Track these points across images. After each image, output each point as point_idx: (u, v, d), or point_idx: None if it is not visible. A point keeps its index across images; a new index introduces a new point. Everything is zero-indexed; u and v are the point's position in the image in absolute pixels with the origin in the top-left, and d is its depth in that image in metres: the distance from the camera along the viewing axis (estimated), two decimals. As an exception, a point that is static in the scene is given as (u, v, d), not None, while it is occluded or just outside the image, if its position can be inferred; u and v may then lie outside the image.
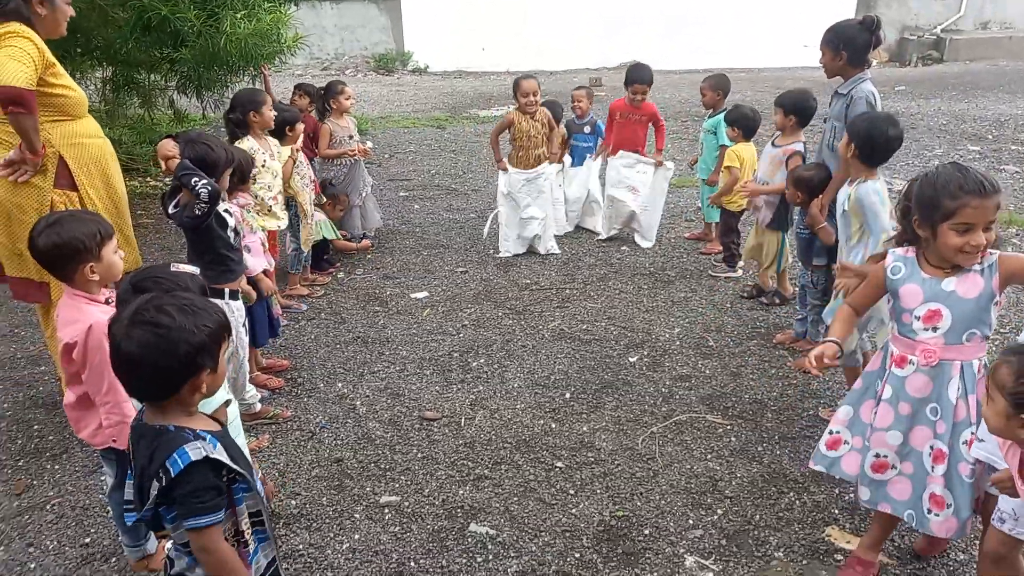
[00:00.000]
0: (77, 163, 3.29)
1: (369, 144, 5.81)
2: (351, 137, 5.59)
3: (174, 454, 1.66)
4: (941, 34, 14.42)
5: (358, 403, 3.79)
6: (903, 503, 2.43)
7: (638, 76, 5.64)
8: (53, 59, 3.16)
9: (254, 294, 3.43)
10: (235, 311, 3.19)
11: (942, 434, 2.33)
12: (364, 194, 5.70)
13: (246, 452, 2.14)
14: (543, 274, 5.36)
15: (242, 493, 1.81)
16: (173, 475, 1.65)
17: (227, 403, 2.24)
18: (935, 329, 2.29)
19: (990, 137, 8.46)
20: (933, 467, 2.35)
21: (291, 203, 4.78)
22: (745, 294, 4.86)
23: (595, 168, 6.05)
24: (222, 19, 5.25)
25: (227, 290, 3.17)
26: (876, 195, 3.22)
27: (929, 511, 2.36)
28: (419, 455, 3.37)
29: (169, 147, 3.10)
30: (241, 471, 1.78)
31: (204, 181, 2.95)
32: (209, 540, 1.72)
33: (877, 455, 2.46)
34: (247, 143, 4.26)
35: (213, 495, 1.71)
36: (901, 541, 2.75)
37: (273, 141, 4.50)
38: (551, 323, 4.60)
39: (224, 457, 1.74)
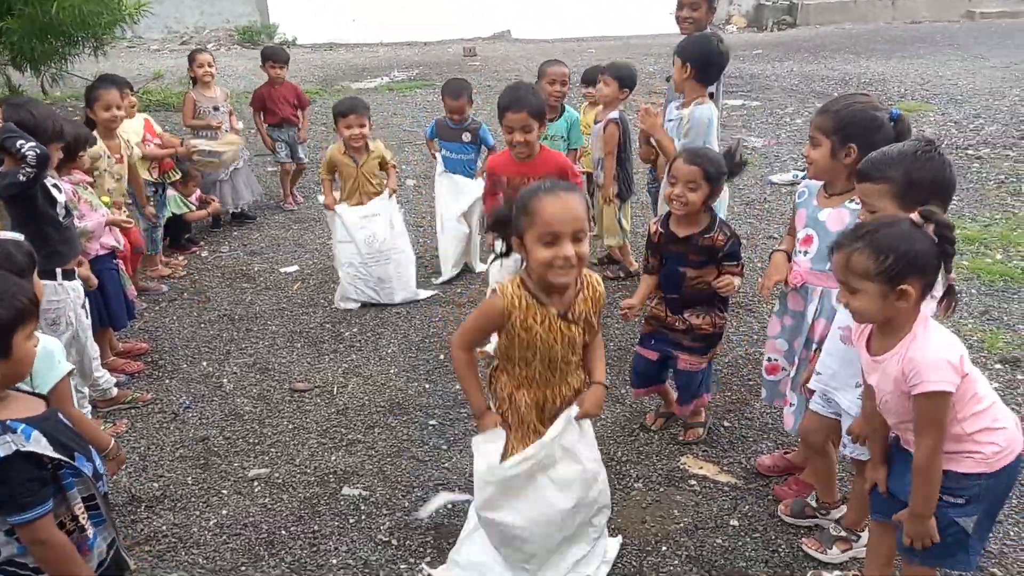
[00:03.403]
0: None
1: (240, 123, 5.51)
2: (216, 109, 5.38)
3: None
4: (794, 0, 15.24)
5: (224, 380, 3.68)
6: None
7: (516, 100, 3.23)
8: None
9: (95, 280, 3.23)
10: (70, 292, 3.00)
11: (797, 347, 2.61)
12: (232, 168, 5.48)
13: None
14: (417, 242, 5.31)
15: (70, 479, 1.72)
16: None
17: (69, 373, 2.12)
18: (806, 253, 2.52)
19: (835, 95, 9.06)
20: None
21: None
22: (595, 260, 4.94)
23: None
24: (51, -15, 4.88)
25: (59, 271, 2.98)
26: (709, 120, 3.40)
27: (775, 405, 2.74)
28: (290, 426, 3.31)
29: None
30: (62, 458, 1.69)
31: (31, 143, 2.76)
32: (40, 532, 1.64)
33: (769, 359, 2.75)
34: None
35: (35, 487, 1.62)
36: (747, 462, 2.97)
37: (128, 135, 4.21)
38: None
39: (40, 447, 1.64)
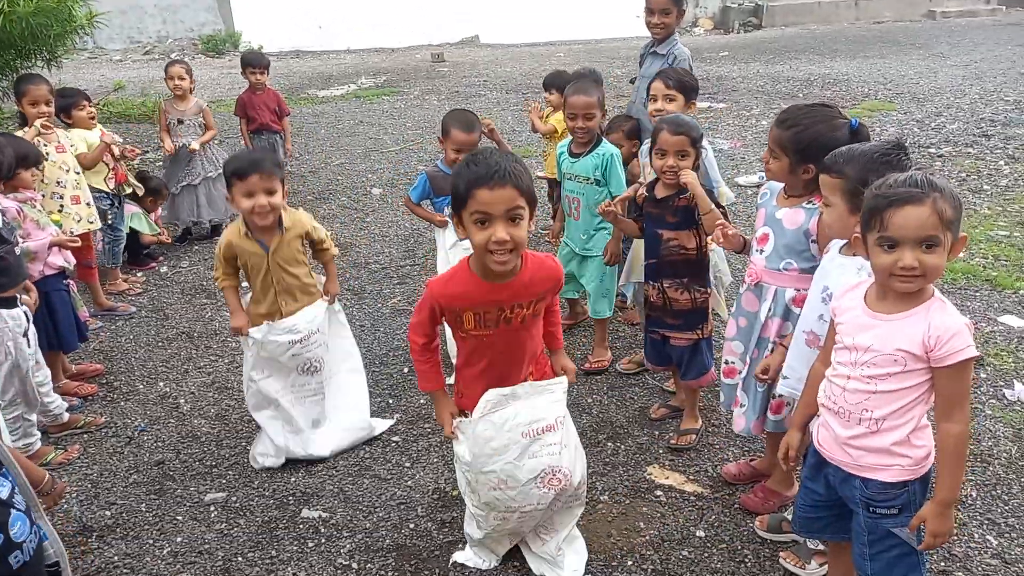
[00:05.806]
0: None
1: (194, 143, 5.32)
2: (179, 122, 5.28)
3: None
4: (759, 1, 15.39)
5: (182, 401, 3.58)
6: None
7: (498, 172, 1.98)
8: None
9: (35, 296, 3.10)
10: (8, 320, 2.89)
11: (750, 347, 2.59)
12: (185, 183, 5.36)
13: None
14: (383, 252, 5.28)
15: None
16: None
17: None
18: (761, 252, 2.51)
19: (800, 96, 9.13)
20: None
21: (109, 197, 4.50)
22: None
23: None
24: (-3, -3, 4.76)
25: None
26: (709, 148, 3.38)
27: (731, 409, 2.68)
28: (248, 447, 3.22)
29: None
30: None
31: None
32: None
33: (727, 362, 2.72)
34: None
35: None
36: (713, 471, 2.94)
37: (62, 133, 4.13)
38: (391, 300, 4.53)
39: None
